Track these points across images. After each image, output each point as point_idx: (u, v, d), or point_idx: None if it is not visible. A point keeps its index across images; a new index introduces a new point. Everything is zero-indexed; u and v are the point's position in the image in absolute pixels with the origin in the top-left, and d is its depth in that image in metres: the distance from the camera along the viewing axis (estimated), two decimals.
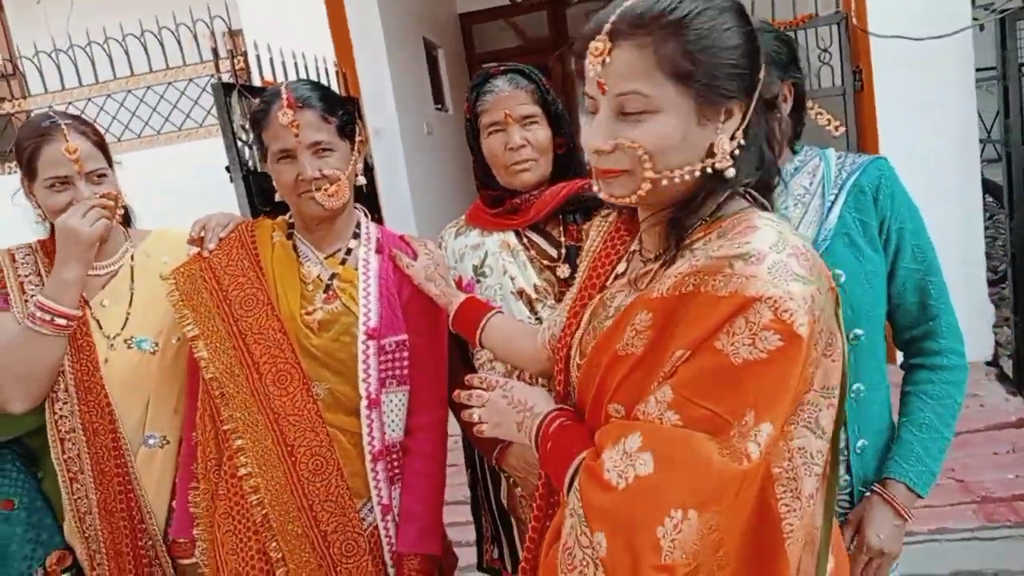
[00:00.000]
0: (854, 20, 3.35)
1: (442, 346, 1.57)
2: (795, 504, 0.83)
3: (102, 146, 1.61)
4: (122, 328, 1.62)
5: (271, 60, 3.20)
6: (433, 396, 1.55)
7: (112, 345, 1.61)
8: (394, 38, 4.89)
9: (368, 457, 1.46)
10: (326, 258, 1.55)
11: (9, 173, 4.09)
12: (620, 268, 1.04)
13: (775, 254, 0.80)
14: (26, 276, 1.64)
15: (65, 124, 1.55)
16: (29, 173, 1.56)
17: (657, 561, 0.76)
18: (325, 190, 1.43)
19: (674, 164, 0.86)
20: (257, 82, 3.17)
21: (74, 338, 1.58)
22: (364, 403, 1.45)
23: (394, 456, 1.50)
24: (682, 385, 0.81)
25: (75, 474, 1.61)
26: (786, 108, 1.31)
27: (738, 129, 0.87)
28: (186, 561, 1.56)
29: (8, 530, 1.60)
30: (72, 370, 1.58)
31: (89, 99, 3.90)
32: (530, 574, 1.07)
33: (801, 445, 0.83)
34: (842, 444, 1.31)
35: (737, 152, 0.87)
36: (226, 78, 3.22)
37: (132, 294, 1.65)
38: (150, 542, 1.62)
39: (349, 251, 1.56)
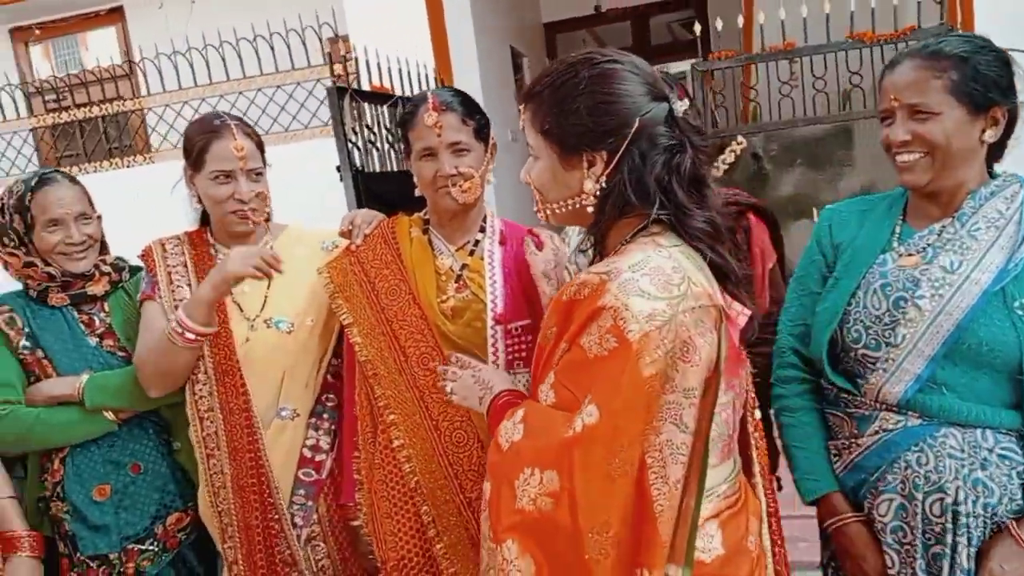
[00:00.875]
0: (960, 31, 3.30)
1: None
2: (664, 488, 0.98)
3: (261, 147, 1.77)
4: (261, 310, 1.76)
5: (377, 65, 3.36)
6: None
7: (253, 326, 1.75)
8: (484, 47, 5.02)
9: None
10: (456, 250, 1.67)
11: (129, 167, 4.39)
12: None
13: (629, 273, 1.01)
14: (173, 267, 1.79)
15: (234, 124, 1.72)
16: (196, 164, 1.72)
17: (512, 506, 1.02)
18: (459, 186, 1.57)
19: (552, 199, 1.14)
20: (365, 86, 3.34)
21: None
22: None
23: None
24: (560, 372, 1.05)
25: (212, 450, 1.74)
26: (997, 133, 1.32)
27: (603, 173, 1.08)
28: (356, 522, 1.68)
29: (135, 489, 1.76)
30: (212, 355, 1.72)
31: (203, 99, 4.15)
32: None
33: (668, 439, 0.98)
34: None
35: (598, 193, 1.08)
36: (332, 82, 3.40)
37: (270, 280, 1.78)
38: (276, 515, 1.73)
39: (476, 243, 1.68)
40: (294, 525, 1.75)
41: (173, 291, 1.76)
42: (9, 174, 5.08)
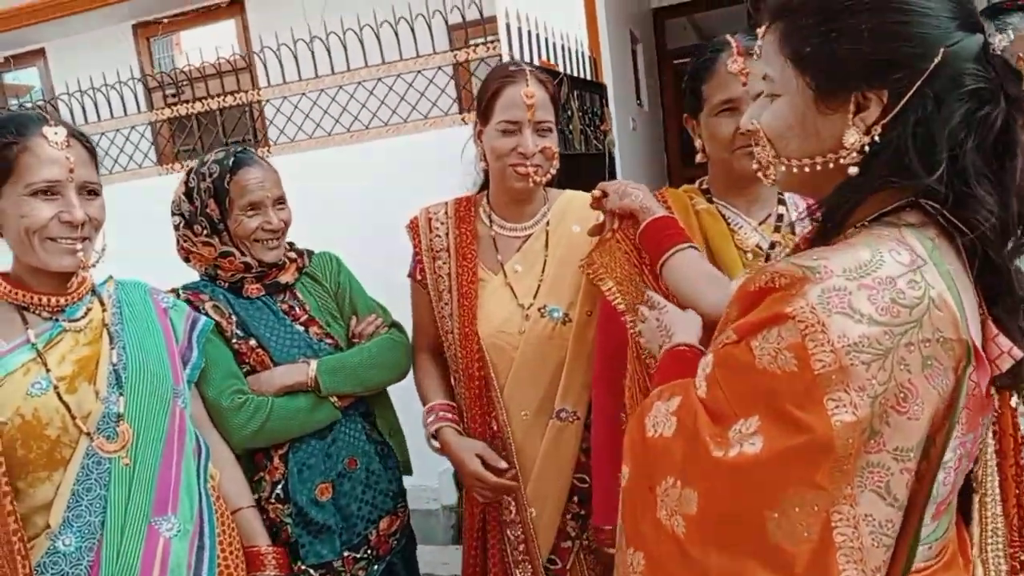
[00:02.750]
0: None
1: None
2: (852, 569, 0.73)
3: (555, 101, 1.57)
4: (534, 296, 1.58)
5: (519, 43, 3.13)
6: None
7: (527, 315, 1.57)
8: (613, 30, 4.79)
9: None
10: (759, 224, 1.42)
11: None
12: None
13: (842, 279, 0.74)
14: (438, 251, 1.63)
15: (529, 70, 1.53)
16: (485, 115, 1.55)
17: (654, 515, 0.83)
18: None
19: (793, 152, 0.84)
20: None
21: (462, 325, 1.58)
22: None
23: None
24: (719, 363, 0.83)
25: None
26: None
27: (877, 122, 0.78)
28: (612, 550, 1.46)
29: (349, 487, 1.60)
30: (462, 357, 1.59)
31: (340, 87, 4.02)
32: None
33: (867, 512, 0.74)
34: None
35: (868, 148, 0.79)
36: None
37: (546, 261, 1.60)
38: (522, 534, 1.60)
39: (780, 217, 1.42)
40: (568, 536, 1.60)
41: (436, 279, 1.62)
42: (127, 168, 5.11)
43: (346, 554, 1.58)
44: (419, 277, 1.65)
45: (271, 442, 1.54)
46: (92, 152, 1.25)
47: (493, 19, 3.64)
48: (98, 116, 4.97)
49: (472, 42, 3.76)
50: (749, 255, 1.37)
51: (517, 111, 1.49)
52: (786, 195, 1.45)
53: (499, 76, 1.54)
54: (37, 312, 1.24)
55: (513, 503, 1.58)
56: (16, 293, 1.23)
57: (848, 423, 0.72)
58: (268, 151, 4.59)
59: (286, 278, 1.66)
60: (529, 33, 3.04)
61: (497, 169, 1.55)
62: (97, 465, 1.19)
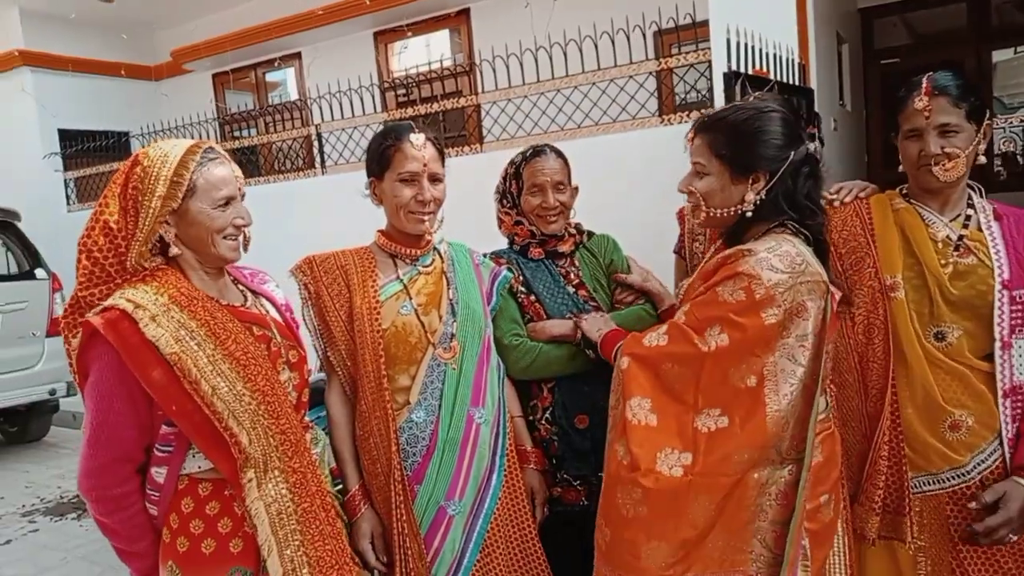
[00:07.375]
0: None
1: None
2: (774, 397, 1.41)
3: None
4: None
5: (738, 56, 3.38)
6: None
7: None
8: (820, 31, 4.86)
9: (1000, 394, 1.64)
10: (949, 222, 1.73)
11: (473, 153, 4.87)
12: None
13: (764, 253, 1.44)
14: (696, 235, 1.98)
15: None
16: None
17: (653, 383, 1.51)
18: (942, 165, 1.64)
19: (716, 205, 1.54)
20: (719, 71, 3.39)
21: None
22: (998, 345, 1.64)
23: (1019, 396, 1.66)
24: (694, 304, 1.50)
25: None
26: None
27: (762, 189, 1.49)
28: None
29: (600, 421, 1.84)
30: None
31: (559, 90, 4.49)
32: None
33: (783, 368, 1.40)
34: None
35: (757, 203, 1.49)
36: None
37: None
38: None
39: (968, 217, 1.73)
40: None
41: (691, 255, 1.97)
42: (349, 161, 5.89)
43: (600, 473, 1.90)
44: (683, 254, 2.02)
45: (535, 377, 1.97)
46: (440, 151, 1.77)
47: (704, 23, 3.93)
48: (342, 114, 5.69)
49: (683, 47, 4.08)
50: (939, 244, 1.71)
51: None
52: (974, 200, 1.75)
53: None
54: (402, 259, 1.81)
55: None
56: (391, 245, 1.81)
57: (772, 323, 1.40)
58: (480, 147, 5.18)
59: (563, 248, 2.08)
60: (744, 45, 3.31)
61: None
62: (437, 366, 1.72)
